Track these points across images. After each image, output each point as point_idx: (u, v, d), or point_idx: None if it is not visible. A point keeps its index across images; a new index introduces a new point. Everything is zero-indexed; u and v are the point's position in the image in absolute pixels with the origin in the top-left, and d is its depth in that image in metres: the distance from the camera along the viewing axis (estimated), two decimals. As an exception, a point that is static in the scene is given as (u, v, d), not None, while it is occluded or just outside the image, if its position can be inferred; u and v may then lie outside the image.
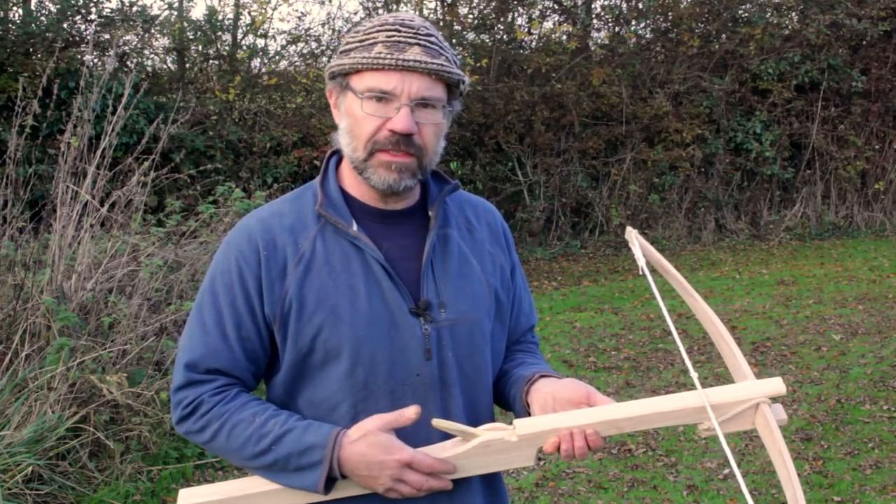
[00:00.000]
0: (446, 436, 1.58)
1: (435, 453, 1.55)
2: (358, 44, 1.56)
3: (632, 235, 1.82)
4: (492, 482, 1.73)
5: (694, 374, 1.61)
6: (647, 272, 1.73)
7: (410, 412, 1.52)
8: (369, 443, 1.51)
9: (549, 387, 1.63)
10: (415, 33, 1.54)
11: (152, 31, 10.46)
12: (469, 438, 1.55)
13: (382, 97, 1.53)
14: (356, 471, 1.51)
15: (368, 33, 1.56)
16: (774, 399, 1.59)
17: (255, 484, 1.59)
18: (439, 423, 1.52)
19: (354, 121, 1.57)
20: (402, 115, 1.53)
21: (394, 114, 1.53)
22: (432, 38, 1.56)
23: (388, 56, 1.51)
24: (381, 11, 11.19)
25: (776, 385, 1.58)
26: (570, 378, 1.66)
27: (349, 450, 1.51)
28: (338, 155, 1.71)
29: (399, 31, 1.54)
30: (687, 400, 1.57)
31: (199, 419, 1.58)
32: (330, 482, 1.54)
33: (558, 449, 1.55)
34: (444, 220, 1.68)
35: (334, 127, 1.68)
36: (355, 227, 1.61)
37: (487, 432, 1.55)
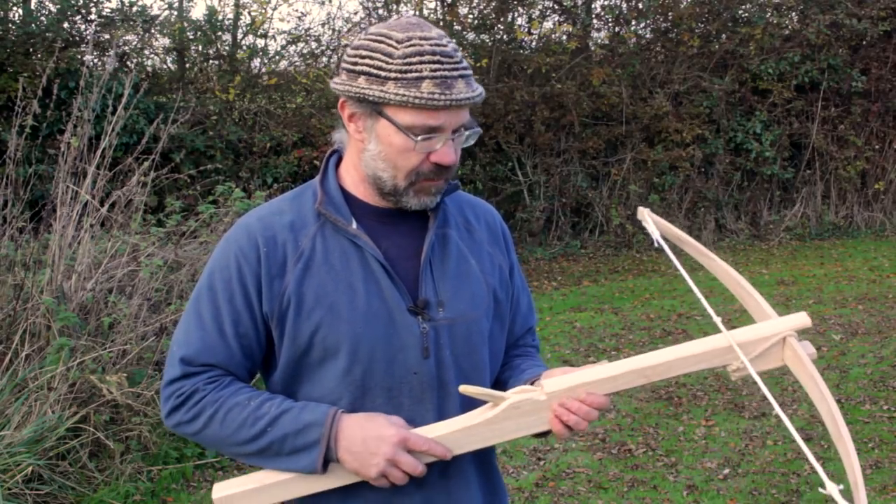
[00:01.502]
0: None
1: (466, 420, 1.56)
2: (398, 74, 1.50)
3: (644, 214, 1.84)
4: (491, 480, 1.73)
5: (717, 319, 1.61)
6: (665, 246, 1.74)
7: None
8: (368, 416, 1.53)
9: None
10: (455, 64, 1.53)
11: (152, 31, 10.46)
12: (498, 402, 1.55)
13: (431, 136, 1.53)
14: (351, 447, 1.51)
15: (410, 64, 1.50)
16: (801, 334, 1.57)
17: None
18: (466, 388, 1.53)
19: (395, 151, 1.55)
20: (449, 149, 1.56)
21: (438, 146, 1.54)
22: (463, 63, 1.55)
23: (441, 96, 1.49)
24: (381, 12, 11.19)
25: (801, 318, 1.57)
26: (551, 369, 1.68)
27: (347, 422, 1.52)
28: (337, 154, 1.71)
29: (442, 63, 1.51)
30: (713, 342, 1.56)
31: (191, 408, 1.58)
32: (326, 466, 1.53)
33: (566, 427, 1.55)
34: (443, 220, 1.69)
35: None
36: (355, 225, 1.61)
37: (516, 394, 1.55)
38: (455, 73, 1.52)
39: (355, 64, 1.55)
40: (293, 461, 1.53)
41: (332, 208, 1.62)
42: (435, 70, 1.50)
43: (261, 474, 1.60)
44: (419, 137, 1.52)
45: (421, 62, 1.50)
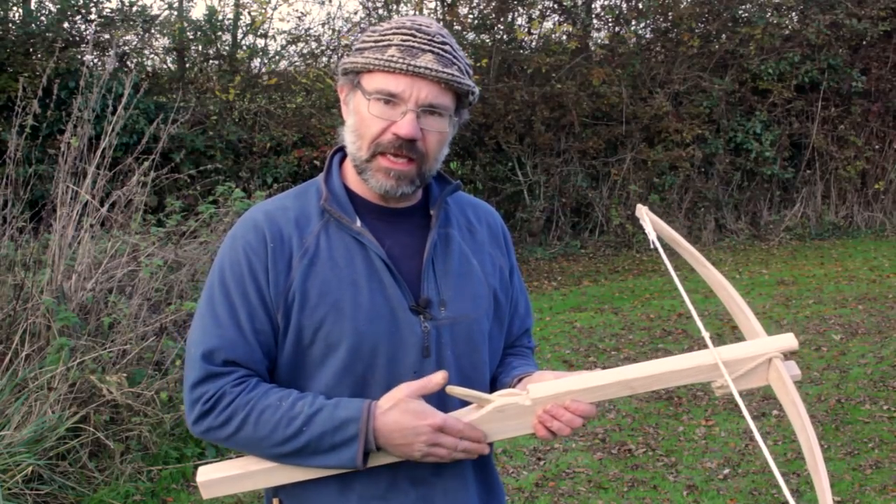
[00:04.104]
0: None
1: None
2: (373, 44, 1.56)
3: (642, 212, 1.85)
4: (487, 479, 1.73)
5: (705, 334, 1.61)
6: (658, 246, 1.75)
7: (438, 377, 1.52)
8: (401, 410, 1.51)
9: (522, 385, 1.65)
10: (430, 40, 1.55)
11: (152, 31, 10.47)
12: (483, 404, 1.56)
13: (390, 100, 1.54)
14: (391, 440, 1.52)
15: (384, 35, 1.56)
16: (787, 356, 1.58)
17: None
18: (453, 389, 1.53)
19: (361, 120, 1.57)
20: (408, 120, 1.53)
21: (400, 118, 1.54)
22: (447, 47, 1.56)
23: (400, 60, 1.52)
24: (381, 12, 11.19)
25: (788, 341, 1.58)
26: (541, 371, 1.67)
27: (382, 420, 1.52)
28: (341, 152, 1.71)
29: (414, 37, 1.54)
30: (700, 358, 1.57)
31: (222, 412, 1.55)
32: (365, 456, 1.53)
33: (551, 432, 1.56)
34: (445, 220, 1.69)
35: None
36: (359, 223, 1.62)
37: (501, 398, 1.56)
38: (425, 47, 1.54)
39: (351, 46, 1.61)
40: (333, 457, 1.53)
41: (337, 205, 1.62)
42: (405, 40, 1.54)
43: (245, 460, 1.59)
44: (372, 96, 1.55)
45: (395, 33, 1.55)
